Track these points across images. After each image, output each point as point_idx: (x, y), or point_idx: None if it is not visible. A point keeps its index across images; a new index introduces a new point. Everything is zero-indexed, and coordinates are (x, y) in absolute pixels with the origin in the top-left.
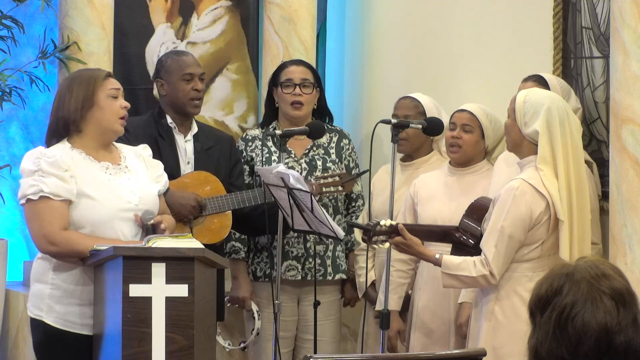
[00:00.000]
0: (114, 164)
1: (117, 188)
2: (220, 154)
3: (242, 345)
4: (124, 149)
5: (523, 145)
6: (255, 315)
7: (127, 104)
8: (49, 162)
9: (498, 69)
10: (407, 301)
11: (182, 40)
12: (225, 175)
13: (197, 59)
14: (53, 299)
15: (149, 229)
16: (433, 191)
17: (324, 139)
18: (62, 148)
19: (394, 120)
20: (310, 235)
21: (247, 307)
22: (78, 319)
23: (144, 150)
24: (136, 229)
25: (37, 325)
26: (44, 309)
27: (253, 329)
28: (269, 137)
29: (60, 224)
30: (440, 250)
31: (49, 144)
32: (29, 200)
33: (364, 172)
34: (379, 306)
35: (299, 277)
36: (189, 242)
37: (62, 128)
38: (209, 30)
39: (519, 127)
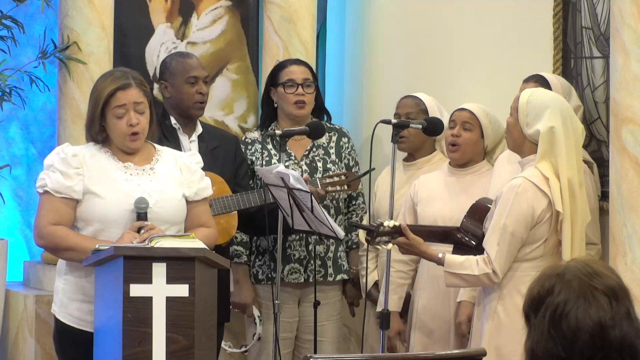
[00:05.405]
0: (140, 165)
1: (135, 189)
2: (225, 154)
3: (243, 349)
4: (164, 152)
5: (524, 145)
6: (257, 320)
7: (134, 120)
8: (61, 158)
9: (498, 68)
10: (407, 301)
11: (182, 40)
12: (230, 176)
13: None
14: (65, 295)
15: (142, 216)
16: (433, 191)
17: (323, 139)
18: (91, 145)
19: (394, 120)
20: (312, 237)
21: (248, 314)
22: (82, 315)
23: (191, 157)
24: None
25: (54, 320)
26: (57, 304)
27: (254, 334)
28: (268, 140)
29: (52, 219)
30: (442, 250)
31: (87, 140)
32: (38, 193)
33: (370, 170)
34: (380, 307)
35: (302, 280)
36: (192, 242)
37: (91, 133)
38: (209, 30)
39: (521, 127)
